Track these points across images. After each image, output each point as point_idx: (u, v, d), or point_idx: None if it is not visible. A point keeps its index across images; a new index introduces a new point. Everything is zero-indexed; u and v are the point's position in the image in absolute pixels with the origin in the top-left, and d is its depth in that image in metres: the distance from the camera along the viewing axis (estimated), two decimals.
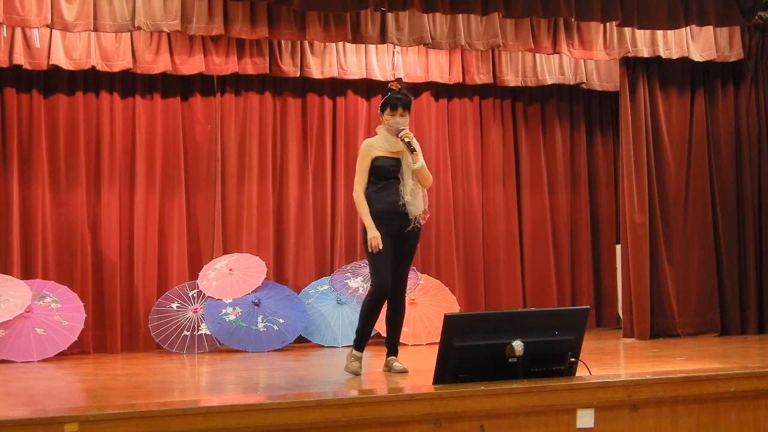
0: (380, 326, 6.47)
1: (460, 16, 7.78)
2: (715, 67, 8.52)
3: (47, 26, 7.08)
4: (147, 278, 8.15)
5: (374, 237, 5.84)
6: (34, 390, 5.94)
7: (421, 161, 5.95)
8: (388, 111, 5.99)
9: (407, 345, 7.81)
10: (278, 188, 8.60)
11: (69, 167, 8.05)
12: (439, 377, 4.74)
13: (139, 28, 7.24)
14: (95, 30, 7.24)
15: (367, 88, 8.73)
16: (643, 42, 8.20)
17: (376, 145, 6.03)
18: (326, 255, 8.63)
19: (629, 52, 8.19)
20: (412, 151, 5.92)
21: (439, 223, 8.84)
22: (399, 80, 7.29)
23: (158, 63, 7.96)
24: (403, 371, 5.93)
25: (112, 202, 8.11)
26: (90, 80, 8.11)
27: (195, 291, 7.98)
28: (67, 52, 7.71)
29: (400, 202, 5.93)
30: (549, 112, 9.36)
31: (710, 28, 8.22)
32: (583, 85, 9.06)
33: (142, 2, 7.18)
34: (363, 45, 8.28)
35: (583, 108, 9.45)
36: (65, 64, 7.72)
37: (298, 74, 8.33)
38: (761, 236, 8.54)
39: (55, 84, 8.04)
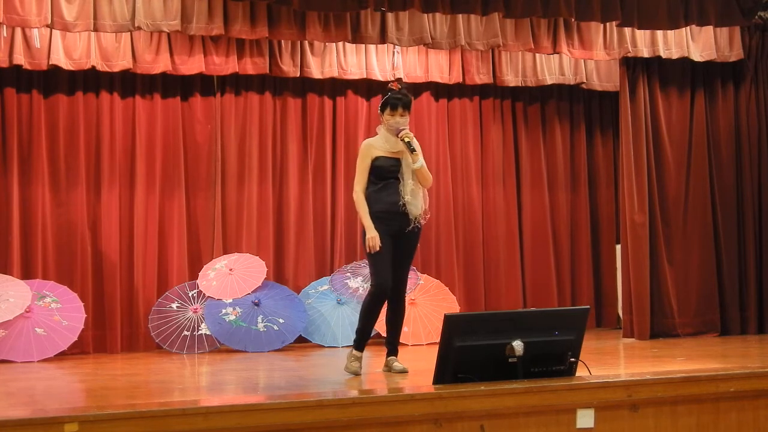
0: (380, 326, 6.47)
1: (460, 16, 7.78)
2: (715, 67, 8.52)
3: (47, 26, 7.08)
4: (147, 278, 8.16)
5: (372, 237, 5.84)
6: (34, 390, 5.94)
7: (421, 161, 5.95)
8: (388, 111, 5.99)
9: (407, 345, 7.81)
10: (278, 188, 8.60)
11: (69, 167, 8.05)
12: (439, 377, 4.74)
13: (139, 28, 7.24)
14: (95, 30, 7.24)
15: (367, 88, 8.73)
16: (643, 42, 8.20)
17: (376, 145, 6.03)
18: (326, 255, 8.63)
19: (629, 52, 8.19)
20: (412, 151, 5.92)
21: (439, 223, 8.84)
22: (399, 80, 7.28)
23: (158, 63, 7.96)
24: (403, 371, 5.93)
25: (112, 202, 8.11)
26: (90, 80, 8.11)
27: (195, 291, 7.98)
28: (67, 52, 7.71)
29: (400, 202, 5.93)
30: (549, 112, 9.36)
31: (710, 28, 8.22)
32: (583, 85, 9.06)
33: (142, 2, 7.19)
34: (363, 45, 8.28)
35: (583, 108, 9.45)
36: (65, 64, 7.72)
37: (298, 74, 8.33)
38: (761, 236, 8.54)
39: (55, 84, 8.04)
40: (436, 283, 8.54)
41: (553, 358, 4.78)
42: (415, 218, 5.97)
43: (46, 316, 7.46)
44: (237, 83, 8.49)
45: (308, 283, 8.44)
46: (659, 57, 8.26)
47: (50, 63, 7.67)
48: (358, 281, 8.17)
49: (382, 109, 6.03)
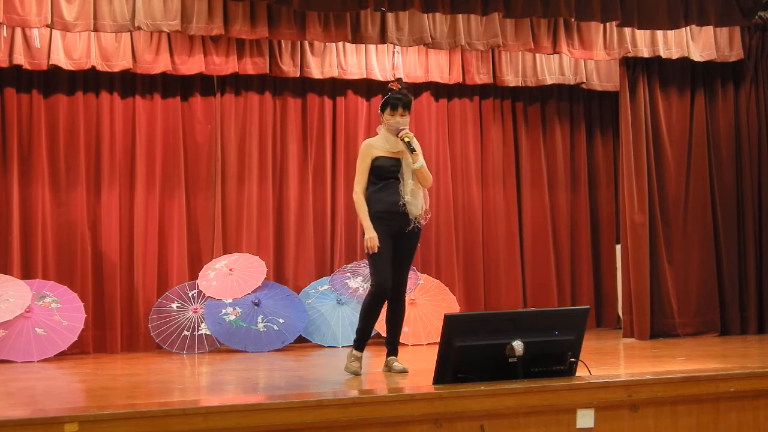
0: (380, 326, 6.47)
1: (460, 16, 7.78)
2: (715, 67, 8.52)
3: (47, 26, 7.08)
4: (147, 278, 8.15)
5: (370, 238, 5.84)
6: (34, 390, 5.94)
7: (421, 161, 5.95)
8: (388, 111, 5.99)
9: (407, 345, 7.81)
10: (278, 188, 8.60)
11: (69, 167, 8.05)
12: (439, 377, 4.74)
13: (139, 28, 7.24)
14: (95, 30, 7.24)
15: (367, 88, 8.73)
16: (643, 42, 8.20)
17: (376, 145, 6.03)
18: (326, 255, 8.63)
19: (629, 52, 8.19)
20: (412, 150, 5.92)
21: (439, 223, 8.84)
22: (399, 80, 7.29)
23: (158, 63, 7.96)
24: (403, 371, 5.93)
25: (112, 202, 8.11)
26: (90, 80, 8.11)
27: (195, 291, 7.98)
28: (67, 52, 7.71)
29: (401, 202, 5.93)
30: (549, 112, 9.36)
31: (710, 28, 8.22)
32: (583, 85, 9.06)
33: (142, 2, 7.18)
34: (363, 45, 8.28)
35: (583, 108, 9.45)
36: (65, 64, 7.72)
37: (298, 74, 8.33)
38: (761, 236, 8.54)
39: (55, 84, 8.04)
40: (436, 283, 8.54)
41: (553, 358, 4.78)
42: (415, 218, 5.96)
43: (46, 316, 7.46)
44: (237, 83, 8.49)
45: (308, 283, 8.44)
46: (659, 57, 8.26)
47: (50, 63, 7.67)
48: (358, 281, 8.17)
49: (382, 109, 6.03)
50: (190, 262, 8.29)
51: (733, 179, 8.54)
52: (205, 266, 8.15)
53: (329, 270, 8.54)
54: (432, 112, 9.00)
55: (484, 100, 9.17)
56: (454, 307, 8.34)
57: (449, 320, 4.73)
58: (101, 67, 7.83)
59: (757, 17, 8.28)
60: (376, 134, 6.11)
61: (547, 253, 9.22)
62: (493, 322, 4.92)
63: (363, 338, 6.01)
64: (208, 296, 7.89)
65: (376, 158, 5.98)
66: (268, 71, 8.23)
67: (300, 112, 8.69)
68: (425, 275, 8.53)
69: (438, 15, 7.74)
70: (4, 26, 7.25)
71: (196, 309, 7.91)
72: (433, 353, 4.87)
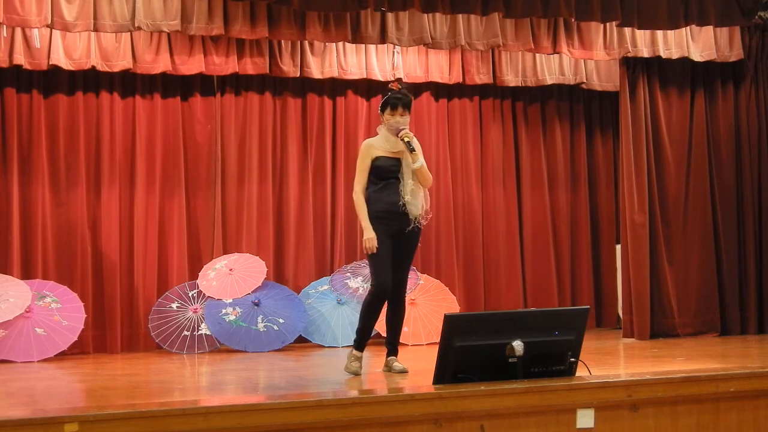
0: (380, 326, 6.46)
1: (460, 16, 7.78)
2: (715, 67, 8.52)
3: (47, 26, 7.09)
4: (147, 278, 8.15)
5: (369, 239, 5.84)
6: (34, 390, 5.94)
7: (420, 161, 5.95)
8: (388, 111, 5.99)
9: (407, 345, 7.81)
10: (278, 188, 8.60)
11: (69, 167, 8.05)
12: (439, 377, 4.74)
13: (139, 28, 7.24)
14: (95, 30, 7.24)
15: (367, 88, 8.73)
16: (643, 42, 8.20)
17: (376, 145, 6.03)
18: (326, 255, 8.63)
19: (629, 52, 8.19)
20: (412, 150, 5.92)
21: (439, 223, 8.84)
22: (399, 80, 7.28)
23: (158, 63, 7.97)
24: (403, 371, 5.93)
25: (112, 202, 8.11)
26: (90, 80, 8.11)
27: (195, 291, 7.98)
28: (67, 52, 7.71)
29: (401, 202, 5.92)
30: (549, 112, 9.36)
31: (710, 28, 8.23)
32: (583, 85, 9.06)
33: (142, 2, 7.19)
34: (363, 45, 8.28)
35: (583, 108, 9.46)
36: (65, 64, 7.72)
37: (298, 74, 8.33)
38: (761, 236, 8.54)
39: (55, 84, 8.04)
40: (436, 283, 8.54)
41: (553, 358, 4.78)
42: (415, 218, 5.96)
43: (46, 316, 7.46)
44: (237, 83, 8.49)
45: (308, 283, 8.44)
46: (659, 57, 8.26)
47: (50, 63, 7.67)
48: (358, 281, 8.17)
49: (382, 109, 6.03)
50: (190, 262, 8.29)
51: (733, 179, 8.54)
52: (205, 266, 8.15)
53: (329, 270, 8.54)
54: (432, 112, 9.00)
55: (484, 100, 9.17)
56: (454, 307, 8.34)
57: (449, 320, 4.73)
58: (101, 67, 7.84)
59: (757, 17, 8.28)
60: (376, 134, 6.11)
61: (547, 253, 9.22)
62: (493, 322, 4.92)
63: (363, 338, 6.01)
64: (208, 296, 7.89)
65: (376, 158, 5.98)
66: (268, 71, 8.23)
67: (300, 112, 8.69)
68: (425, 275, 8.53)
69: (438, 15, 7.74)
70: (4, 26, 7.26)
71: (196, 309, 7.91)
72: (433, 353, 4.87)
